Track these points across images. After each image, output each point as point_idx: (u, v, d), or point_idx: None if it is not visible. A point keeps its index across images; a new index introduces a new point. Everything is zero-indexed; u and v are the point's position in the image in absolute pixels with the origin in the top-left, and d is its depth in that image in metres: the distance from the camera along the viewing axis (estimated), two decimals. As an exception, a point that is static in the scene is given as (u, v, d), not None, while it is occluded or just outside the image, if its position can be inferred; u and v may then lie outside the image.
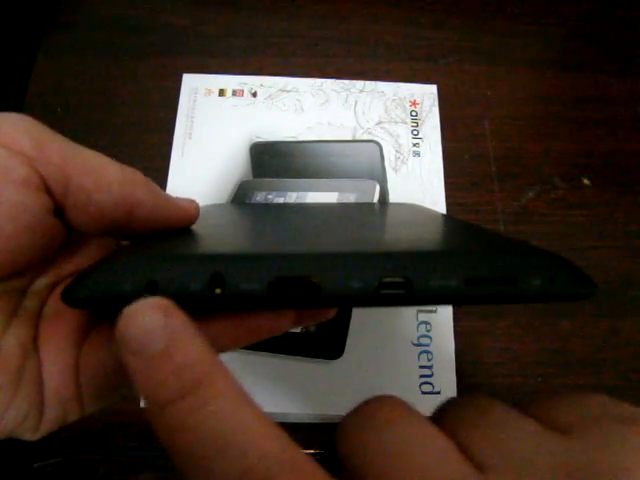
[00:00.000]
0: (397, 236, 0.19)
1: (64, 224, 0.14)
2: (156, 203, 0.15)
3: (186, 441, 0.10)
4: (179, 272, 0.12)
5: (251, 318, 0.14)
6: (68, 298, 0.12)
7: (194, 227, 0.17)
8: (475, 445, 0.11)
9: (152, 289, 0.12)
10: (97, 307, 0.12)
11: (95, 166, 0.14)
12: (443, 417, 0.12)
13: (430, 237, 0.18)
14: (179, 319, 0.11)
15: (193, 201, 0.17)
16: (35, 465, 0.32)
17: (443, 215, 0.24)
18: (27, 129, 0.14)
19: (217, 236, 0.17)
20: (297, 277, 0.12)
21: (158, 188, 0.15)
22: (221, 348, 0.15)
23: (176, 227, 0.16)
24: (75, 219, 0.14)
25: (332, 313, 0.17)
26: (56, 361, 0.14)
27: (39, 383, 0.14)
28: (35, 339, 0.15)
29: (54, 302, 0.15)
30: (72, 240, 0.16)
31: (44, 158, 0.13)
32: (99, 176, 0.14)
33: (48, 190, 0.14)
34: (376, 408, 0.12)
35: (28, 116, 0.14)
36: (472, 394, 0.12)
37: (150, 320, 0.11)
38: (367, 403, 0.12)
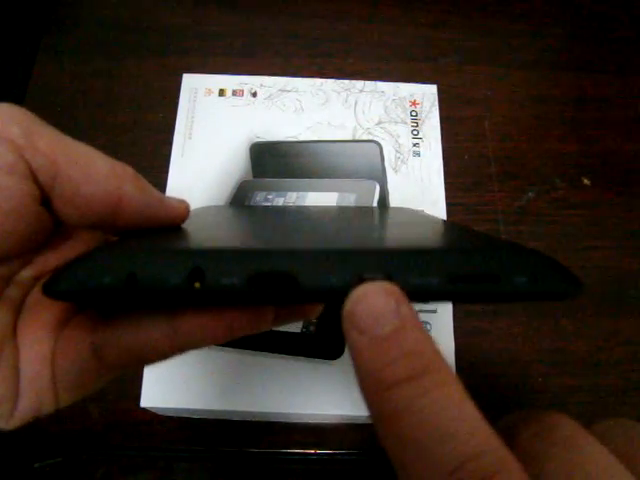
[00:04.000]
0: (381, 235, 0.19)
1: (52, 216, 0.15)
2: (145, 199, 0.15)
3: (407, 425, 0.10)
4: (159, 266, 0.12)
5: (230, 314, 0.14)
6: (48, 290, 0.12)
7: (183, 226, 0.17)
8: None
9: (132, 282, 0.12)
10: (77, 299, 0.13)
11: (84, 158, 0.14)
12: (609, 438, 0.12)
13: (415, 236, 0.18)
14: (408, 306, 0.11)
15: (184, 201, 0.17)
16: (35, 465, 0.32)
17: (436, 217, 0.24)
18: (17, 118, 0.14)
19: (201, 234, 0.17)
20: (276, 272, 0.12)
21: (148, 184, 0.15)
22: (200, 343, 0.15)
23: (165, 225, 0.16)
24: (62, 210, 0.14)
25: (312, 313, 0.17)
26: (33, 349, 0.15)
27: (15, 370, 0.14)
28: (15, 328, 0.15)
29: (37, 294, 0.15)
30: (60, 234, 0.16)
31: (32, 147, 0.13)
32: (88, 168, 0.14)
33: (35, 179, 0.14)
34: (555, 423, 0.12)
35: (20, 106, 0.14)
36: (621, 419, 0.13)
37: (382, 303, 0.11)
38: (541, 415, 0.12)
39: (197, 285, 0.12)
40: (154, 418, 0.33)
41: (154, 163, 0.38)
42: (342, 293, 0.12)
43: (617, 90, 0.45)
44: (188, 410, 0.31)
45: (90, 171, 0.14)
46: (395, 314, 0.11)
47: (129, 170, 0.15)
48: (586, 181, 0.41)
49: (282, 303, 0.15)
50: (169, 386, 0.31)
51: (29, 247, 0.15)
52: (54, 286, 0.12)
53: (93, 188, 0.14)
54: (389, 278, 0.12)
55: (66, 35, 0.44)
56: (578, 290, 0.13)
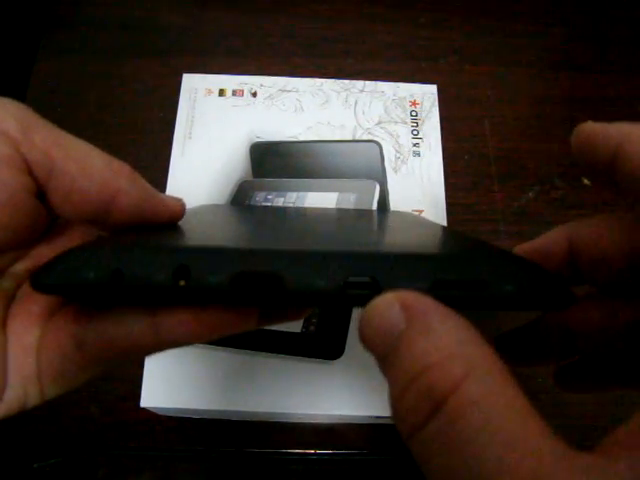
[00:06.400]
0: (370, 238, 0.19)
1: (47, 210, 0.15)
2: (140, 195, 0.15)
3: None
4: (145, 263, 0.12)
5: (214, 313, 0.14)
6: (36, 283, 0.13)
7: (178, 224, 0.17)
8: None
9: (117, 278, 0.12)
10: (63, 293, 0.13)
11: (81, 153, 0.14)
12: None
13: (404, 241, 0.18)
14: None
15: (180, 199, 0.17)
16: (35, 465, 0.32)
17: (431, 223, 0.24)
18: (13, 112, 0.14)
19: (192, 232, 0.17)
20: (261, 272, 0.12)
21: (144, 181, 0.16)
22: (182, 340, 0.14)
23: (160, 222, 0.16)
24: (58, 204, 0.14)
25: (297, 317, 0.17)
26: (19, 339, 0.15)
27: (4, 359, 0.14)
28: (5, 318, 0.15)
29: (29, 286, 0.15)
30: (56, 229, 0.16)
31: (29, 141, 0.14)
32: (84, 163, 0.14)
33: (31, 172, 0.14)
34: None
35: (17, 101, 0.14)
36: None
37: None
38: None
39: (182, 283, 0.12)
40: (154, 418, 0.33)
41: (154, 163, 0.38)
42: (327, 296, 0.12)
43: (617, 90, 0.45)
44: (188, 410, 0.31)
45: (86, 166, 0.14)
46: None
47: (125, 167, 0.15)
48: (586, 181, 0.41)
49: (267, 304, 0.15)
50: (169, 386, 0.31)
51: (24, 240, 0.15)
52: (41, 279, 0.12)
53: (88, 183, 0.14)
54: (375, 282, 0.12)
55: (66, 35, 0.44)
56: (569, 300, 0.12)
